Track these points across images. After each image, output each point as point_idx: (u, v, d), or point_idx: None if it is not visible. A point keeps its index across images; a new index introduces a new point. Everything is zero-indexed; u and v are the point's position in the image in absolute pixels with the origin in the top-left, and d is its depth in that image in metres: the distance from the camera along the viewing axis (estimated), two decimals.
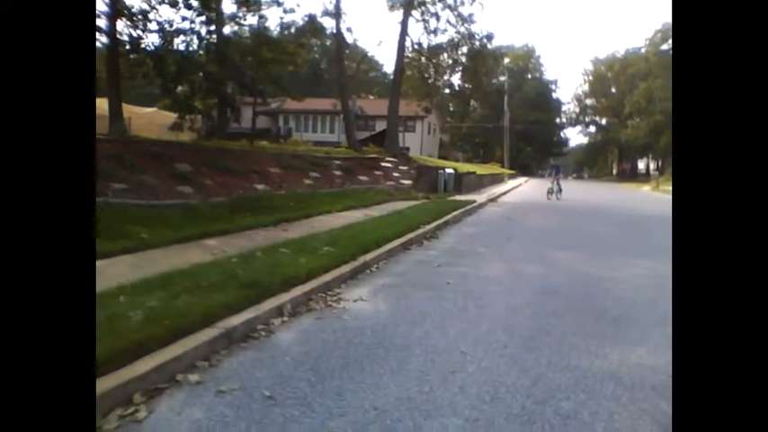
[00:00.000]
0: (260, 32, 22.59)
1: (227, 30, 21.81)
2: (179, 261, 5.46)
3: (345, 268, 5.71)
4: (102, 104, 20.15)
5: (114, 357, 2.94)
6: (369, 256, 6.38)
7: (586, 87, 77.09)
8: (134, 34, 17.78)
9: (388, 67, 60.00)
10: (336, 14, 26.65)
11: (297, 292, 4.65)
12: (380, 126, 34.50)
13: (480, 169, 31.88)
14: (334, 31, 27.02)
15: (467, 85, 33.75)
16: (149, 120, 23.31)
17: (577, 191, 30.39)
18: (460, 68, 30.89)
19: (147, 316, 3.55)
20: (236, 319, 3.78)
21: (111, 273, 4.98)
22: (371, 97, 46.74)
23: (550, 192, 21.64)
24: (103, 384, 2.70)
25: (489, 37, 29.05)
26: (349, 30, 33.97)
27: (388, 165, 22.16)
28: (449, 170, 20.91)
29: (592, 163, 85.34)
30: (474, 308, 4.85)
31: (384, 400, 2.90)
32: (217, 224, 8.10)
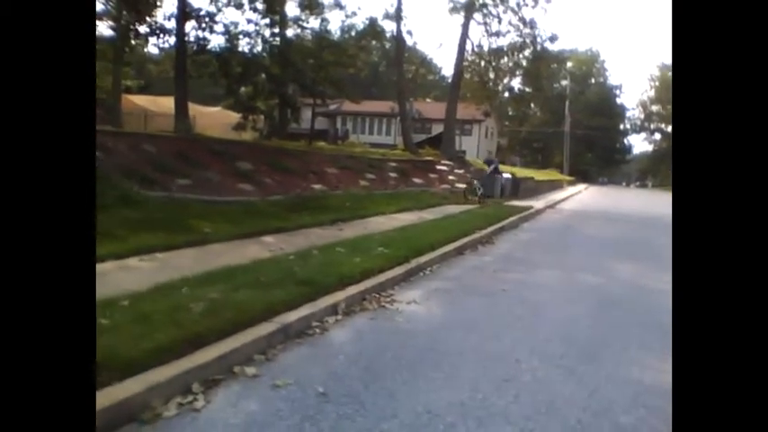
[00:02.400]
0: (321, 35, 22.95)
1: (289, 32, 22.28)
2: (239, 256, 5.61)
3: (399, 270, 5.71)
4: (169, 103, 21.02)
5: (175, 347, 3.05)
6: (422, 259, 6.36)
7: (652, 93, 74.18)
8: (201, 36, 18.44)
9: (447, 70, 59.59)
10: (397, 17, 26.77)
11: (351, 291, 4.69)
12: (437, 129, 34.36)
13: (538, 175, 31.23)
14: (395, 33, 27.13)
15: (527, 89, 33.13)
16: (213, 118, 24.12)
17: (641, 200, 29.30)
18: (521, 72, 30.37)
19: (208, 308, 3.66)
20: (292, 315, 3.85)
21: (175, 265, 5.17)
22: (428, 100, 46.63)
23: (470, 191, 16.38)
24: (165, 372, 2.80)
25: (552, 39, 28.44)
26: (409, 33, 34.11)
27: (444, 168, 22.04)
28: (506, 175, 20.59)
29: (656, 171, 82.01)
30: (530, 316, 4.75)
31: (437, 404, 2.88)
32: (275, 222, 8.27)
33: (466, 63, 27.60)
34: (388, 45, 32.74)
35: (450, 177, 20.99)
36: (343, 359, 3.44)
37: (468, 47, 27.26)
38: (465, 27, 26.38)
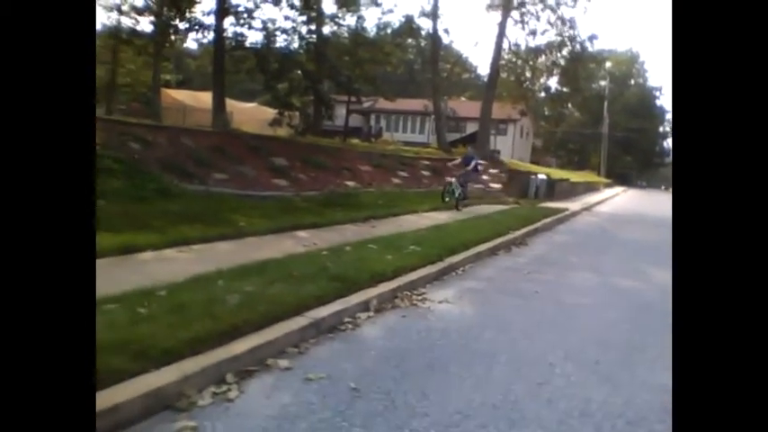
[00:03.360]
0: (357, 32, 23.02)
1: (326, 29, 22.41)
2: (273, 250, 5.68)
3: (431, 269, 5.69)
4: (206, 98, 21.41)
5: (210, 337, 3.10)
6: (455, 259, 6.33)
7: None
8: (239, 32, 18.69)
9: (483, 69, 59.08)
10: (433, 15, 26.66)
11: (383, 288, 4.69)
12: (471, 128, 34.10)
13: (574, 176, 30.71)
14: (431, 31, 27.03)
15: (564, 89, 32.59)
16: (249, 114, 24.46)
17: None
18: (559, 71, 29.88)
19: (243, 300, 3.71)
20: (324, 311, 3.87)
21: (211, 257, 5.26)
22: (463, 99, 46.28)
23: (447, 193, 13.08)
24: (200, 362, 2.85)
25: (591, 39, 27.91)
26: (446, 31, 33.91)
27: (478, 167, 21.85)
28: (541, 175, 20.31)
29: None
30: (564, 319, 4.67)
31: (468, 404, 2.85)
32: (308, 217, 8.35)
33: (502, 62, 27.31)
34: (423, 43, 32.65)
35: (485, 177, 20.82)
36: (374, 356, 3.45)
37: (505, 45, 26.98)
38: (502, 25, 26.09)
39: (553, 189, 19.88)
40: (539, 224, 10.94)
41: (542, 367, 3.49)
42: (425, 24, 27.48)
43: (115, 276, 4.31)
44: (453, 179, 13.05)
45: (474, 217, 10.86)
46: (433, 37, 26.91)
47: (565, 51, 28.02)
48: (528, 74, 29.14)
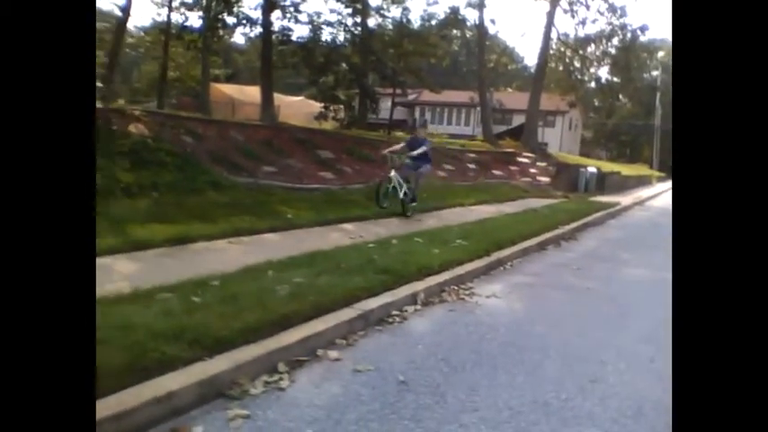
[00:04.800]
0: (403, 24, 22.91)
1: (371, 22, 22.42)
2: (320, 242, 5.74)
3: (479, 263, 5.63)
4: (254, 92, 21.77)
5: (262, 327, 3.16)
6: (503, 253, 6.24)
7: None
8: (285, 26, 18.90)
9: (530, 59, 57.99)
10: (480, 5, 26.28)
11: (430, 282, 4.67)
12: (518, 120, 33.55)
13: (625, 169, 29.78)
14: (477, 22, 26.67)
15: (615, 80, 31.61)
16: (296, 108, 24.75)
17: None
18: (609, 61, 29.01)
19: (293, 291, 3.77)
20: (372, 303, 3.89)
21: (261, 248, 5.36)
22: (509, 90, 45.54)
23: (384, 194, 8.64)
24: (252, 351, 2.91)
25: (643, 29, 26.93)
26: (492, 21, 33.38)
27: (525, 160, 21.51)
28: (591, 168, 19.81)
29: None
30: (617, 316, 4.55)
31: (518, 401, 2.81)
32: (354, 209, 8.40)
33: (551, 52, 26.71)
34: (469, 34, 32.25)
35: (532, 170, 20.47)
36: (422, 349, 3.44)
37: (554, 35, 26.36)
38: (551, 14, 25.50)
39: (603, 182, 19.35)
40: (589, 219, 10.67)
41: (594, 364, 3.40)
42: (471, 15, 27.13)
43: (169, 266, 4.45)
44: (393, 172, 8.70)
45: (522, 211, 10.69)
46: (480, 27, 26.54)
47: (615, 41, 27.19)
48: (577, 64, 28.41)
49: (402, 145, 9.34)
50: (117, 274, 4.20)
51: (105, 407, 2.19)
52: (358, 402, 2.67)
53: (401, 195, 8.80)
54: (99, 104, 11.72)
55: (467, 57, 47.16)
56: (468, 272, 5.29)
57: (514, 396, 2.86)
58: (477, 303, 4.56)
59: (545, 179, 19.10)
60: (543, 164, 21.72)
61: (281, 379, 2.84)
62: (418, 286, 4.48)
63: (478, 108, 29.36)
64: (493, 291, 4.96)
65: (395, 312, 4.01)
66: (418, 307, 4.25)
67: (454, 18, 26.95)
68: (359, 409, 2.60)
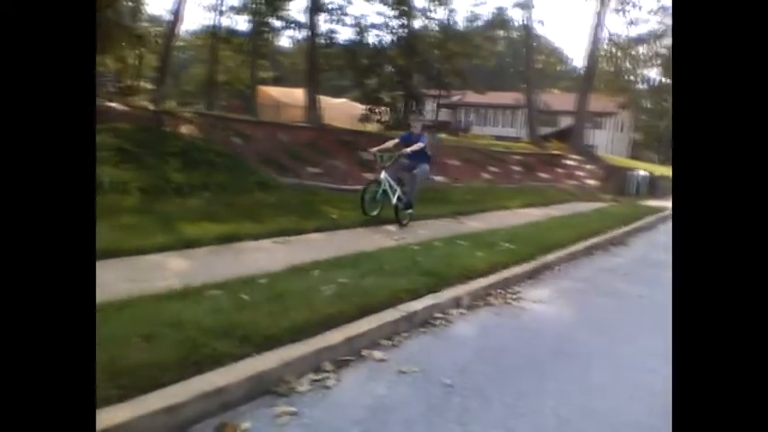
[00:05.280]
0: (448, 26, 22.81)
1: (416, 23, 22.39)
2: (364, 243, 5.77)
3: (525, 267, 5.54)
4: (299, 94, 22.08)
5: (308, 326, 3.19)
6: (549, 257, 6.12)
7: None
8: (331, 28, 19.10)
9: (577, 60, 56.77)
10: (527, 6, 25.93)
11: (475, 285, 4.63)
12: (565, 122, 32.89)
13: None
14: (524, 22, 26.30)
15: (667, 81, 30.60)
16: (340, 110, 24.94)
17: None
18: (660, 62, 28.13)
19: (338, 291, 3.79)
20: (416, 305, 3.88)
21: (306, 248, 5.42)
22: (556, 91, 44.72)
23: (371, 199, 7.42)
24: (299, 349, 2.94)
25: None
26: (540, 22, 32.88)
27: (573, 163, 21.05)
28: (641, 172, 19.23)
29: None
30: (666, 324, 4.37)
31: (566, 408, 2.75)
32: None
33: (600, 52, 26.08)
34: (515, 34, 31.84)
35: (580, 173, 20.02)
36: (467, 352, 3.41)
37: (603, 35, 25.72)
38: (600, 14, 24.90)
39: (655, 186, 18.75)
40: (639, 223, 10.36)
41: (643, 373, 3.30)
42: (518, 15, 26.78)
43: (218, 264, 4.56)
44: (383, 174, 7.39)
45: (569, 214, 10.47)
46: (527, 28, 26.17)
47: (667, 41, 26.33)
48: (627, 65, 27.68)
49: (395, 141, 7.81)
50: (168, 270, 4.33)
51: (159, 399, 2.27)
52: (403, 404, 2.66)
53: (394, 200, 7.44)
54: (151, 107, 12.13)
55: (513, 57, 46.56)
56: (514, 276, 5.21)
57: (562, 403, 2.80)
58: (524, 308, 4.49)
59: (593, 182, 18.65)
60: (591, 167, 21.21)
61: (326, 378, 2.87)
62: (463, 289, 4.45)
63: (525, 109, 28.91)
64: (539, 296, 4.88)
65: (439, 315, 3.98)
66: (463, 310, 4.21)
67: (500, 19, 26.69)
68: (404, 410, 2.60)
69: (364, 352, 3.22)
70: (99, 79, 15.65)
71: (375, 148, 7.70)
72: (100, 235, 4.97)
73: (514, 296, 4.77)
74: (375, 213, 7.38)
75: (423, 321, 3.82)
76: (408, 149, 7.43)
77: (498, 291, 4.80)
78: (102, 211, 5.82)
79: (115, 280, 3.84)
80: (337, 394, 2.73)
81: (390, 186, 7.42)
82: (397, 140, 7.81)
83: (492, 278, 4.92)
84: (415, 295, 4.04)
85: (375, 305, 3.70)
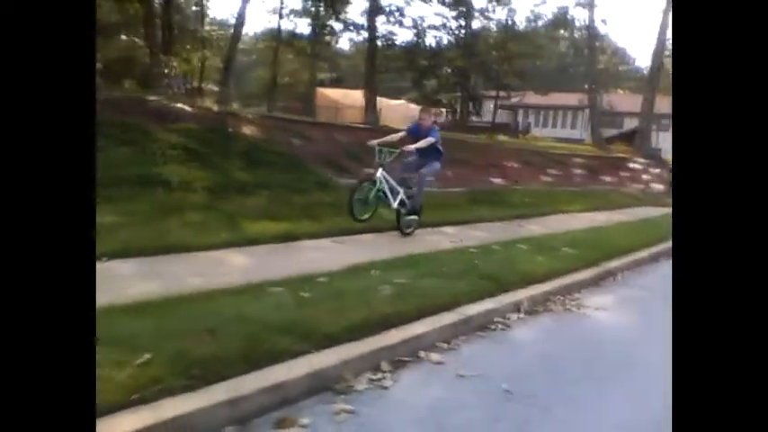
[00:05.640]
0: (507, 26, 22.49)
1: (475, 24, 22.21)
2: (421, 244, 5.76)
3: (586, 273, 5.38)
4: (357, 95, 22.31)
5: (366, 325, 3.21)
6: (612, 264, 5.92)
7: None
8: (390, 30, 19.21)
9: (642, 60, 54.72)
10: (590, 5, 25.19)
11: (534, 290, 4.53)
12: (629, 124, 31.75)
13: None
14: (587, 22, 25.58)
15: None
16: (397, 111, 25.04)
17: None
18: None
19: (395, 292, 3.80)
20: (474, 308, 3.84)
21: (363, 248, 5.47)
22: (620, 92, 43.20)
23: (363, 200, 6.29)
24: (357, 348, 2.97)
25: None
26: (603, 21, 31.91)
27: (638, 166, 20.31)
28: None
29: None
30: None
31: (631, 421, 2.65)
32: (455, 213, 8.34)
33: (666, 52, 25.03)
34: (577, 34, 31.00)
35: (645, 177, 19.29)
36: (526, 358, 3.35)
37: (670, 34, 24.65)
38: (666, 12, 23.89)
39: None
40: None
41: None
42: (580, 15, 26.09)
43: (278, 261, 4.66)
44: (380, 171, 6.30)
45: (635, 220, 10.11)
46: (590, 28, 25.43)
47: None
48: None
49: (401, 135, 6.73)
50: (231, 267, 4.46)
51: (223, 391, 2.34)
52: (461, 408, 2.64)
53: (394, 204, 6.33)
54: (216, 108, 12.55)
55: (575, 58, 45.38)
56: (576, 282, 5.07)
57: (626, 416, 2.70)
58: (585, 315, 4.36)
59: (659, 187, 17.91)
60: (658, 170, 20.39)
61: (384, 378, 2.87)
62: (522, 294, 4.36)
63: (586, 111, 28.10)
64: (601, 303, 4.72)
65: (498, 319, 3.93)
66: (522, 315, 4.13)
67: (563, 18, 26.06)
68: (462, 414, 2.58)
69: (422, 354, 3.21)
70: (168, 81, 16.35)
71: (375, 141, 6.45)
72: (169, 230, 5.21)
73: (575, 302, 4.65)
74: (366, 217, 6.35)
75: (481, 325, 3.77)
76: (413, 146, 6.33)
77: (558, 297, 4.68)
78: (170, 208, 6.11)
79: (183, 274, 4.00)
80: (395, 395, 2.73)
81: (391, 188, 6.35)
82: (403, 134, 6.76)
83: (552, 283, 4.81)
84: (474, 299, 4.00)
85: (433, 307, 3.68)
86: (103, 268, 4.04)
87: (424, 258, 5.00)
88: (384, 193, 6.32)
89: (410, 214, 6.54)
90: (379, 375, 2.89)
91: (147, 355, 2.44)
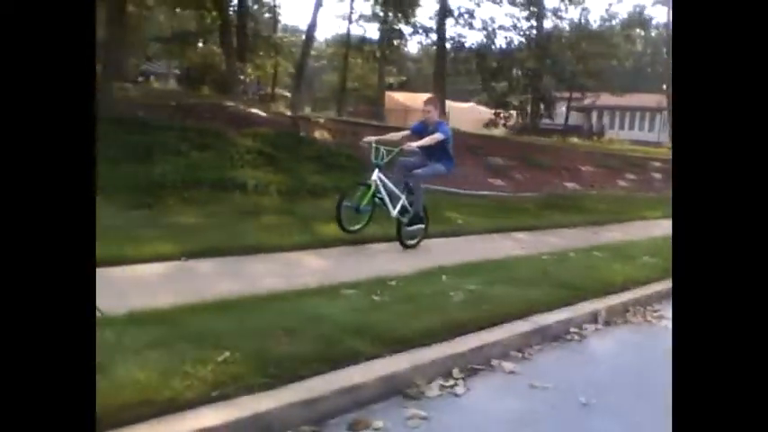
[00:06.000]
0: (581, 25, 21.81)
1: (547, 24, 21.67)
2: (491, 250, 5.66)
3: (668, 284, 5.10)
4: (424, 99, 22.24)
5: (438, 331, 3.19)
6: None
7: None
8: (459, 33, 19.09)
9: None
10: (669, 3, 24.02)
11: (612, 300, 4.35)
12: None
13: None
14: (665, 20, 24.42)
15: None
16: (465, 114, 24.83)
17: None
18: None
19: (466, 298, 3.76)
20: (549, 317, 3.73)
21: (432, 253, 5.44)
22: None
23: (352, 209, 5.46)
24: (429, 354, 2.95)
25: None
26: None
27: None
28: None
29: None
30: None
31: None
32: (526, 218, 8.17)
33: None
34: (654, 33, 29.68)
35: None
36: (604, 371, 3.22)
37: None
38: None
39: None
40: None
41: None
42: (658, 13, 24.95)
43: (350, 264, 4.72)
44: (377, 173, 5.48)
45: None
46: (668, 26, 24.25)
47: None
48: None
49: (405, 133, 5.92)
50: (305, 268, 4.56)
51: (299, 391, 2.38)
52: (536, 419, 2.57)
53: (393, 212, 5.50)
54: (288, 112, 12.90)
55: (652, 57, 43.45)
56: (656, 292, 4.82)
57: None
58: (667, 328, 4.14)
59: None
60: None
61: (456, 385, 2.84)
62: (599, 304, 4.20)
63: (664, 112, 26.81)
64: None
65: (573, 330, 3.79)
66: (599, 326, 3.98)
67: (639, 17, 25.00)
68: (537, 426, 2.51)
69: (494, 362, 3.15)
70: (243, 87, 16.96)
71: (373, 138, 5.67)
72: (246, 232, 5.39)
73: (655, 314, 4.42)
74: (357, 228, 5.49)
75: (556, 335, 3.66)
76: (416, 143, 5.44)
77: (638, 307, 4.47)
78: (246, 210, 6.33)
79: (260, 275, 4.13)
80: (467, 403, 2.70)
81: (390, 193, 5.52)
82: (407, 132, 5.93)
83: (631, 293, 4.60)
84: (548, 307, 3.88)
85: (505, 315, 3.61)
86: (184, 267, 4.25)
87: (494, 264, 4.92)
88: (382, 199, 5.49)
89: (413, 224, 5.60)
90: (451, 382, 2.86)
91: (227, 353, 2.53)
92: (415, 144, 5.44)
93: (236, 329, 2.81)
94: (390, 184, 5.54)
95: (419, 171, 5.61)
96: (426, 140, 5.45)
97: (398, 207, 5.54)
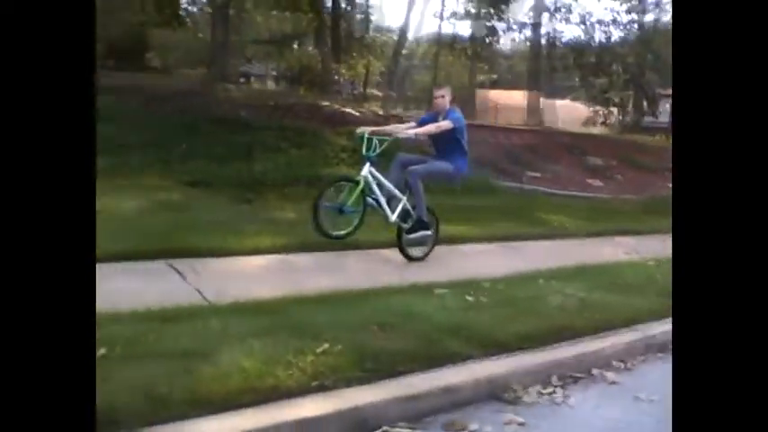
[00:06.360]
0: None
1: (648, 17, 20.48)
2: (591, 254, 5.44)
3: None
4: (517, 96, 21.76)
5: (536, 336, 3.10)
6: None
7: None
8: (555, 28, 18.47)
9: None
10: None
11: None
12: None
13: None
14: None
15: None
16: (561, 112, 23.97)
17: None
18: None
19: (564, 303, 3.64)
20: (656, 327, 3.52)
21: (527, 255, 5.31)
22: None
23: (333, 211, 4.48)
24: (526, 359, 2.88)
25: None
26: None
27: None
28: None
29: None
30: None
31: None
32: (627, 222, 7.77)
33: None
34: None
35: None
36: None
37: None
38: None
39: None
40: None
41: None
42: None
43: (441, 263, 4.70)
44: (367, 168, 4.53)
45: None
46: None
47: None
48: None
49: (409, 125, 5.03)
50: (397, 265, 4.59)
51: (397, 387, 2.41)
52: None
53: (392, 216, 4.65)
54: (380, 111, 13.06)
55: None
56: None
57: None
58: None
59: None
60: None
61: (554, 392, 2.75)
62: None
63: None
64: None
65: None
66: None
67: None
68: None
69: (595, 371, 3.02)
70: (337, 87, 17.39)
71: (366, 129, 4.80)
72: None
73: None
74: (343, 233, 4.52)
75: (662, 346, 3.44)
76: (414, 131, 4.69)
77: None
78: None
79: (354, 270, 4.23)
80: (567, 412, 2.60)
81: (387, 192, 4.65)
82: (412, 124, 5.06)
83: None
84: (654, 316, 3.67)
85: (606, 322, 3.45)
86: (284, 260, 4.42)
87: (594, 269, 4.71)
88: (377, 200, 4.61)
89: (415, 230, 4.67)
90: (550, 389, 2.77)
91: (326, 345, 2.60)
92: (412, 131, 4.68)
93: (334, 322, 2.88)
94: (388, 183, 4.63)
95: (416, 167, 4.66)
96: (430, 128, 4.67)
97: (398, 210, 4.66)
